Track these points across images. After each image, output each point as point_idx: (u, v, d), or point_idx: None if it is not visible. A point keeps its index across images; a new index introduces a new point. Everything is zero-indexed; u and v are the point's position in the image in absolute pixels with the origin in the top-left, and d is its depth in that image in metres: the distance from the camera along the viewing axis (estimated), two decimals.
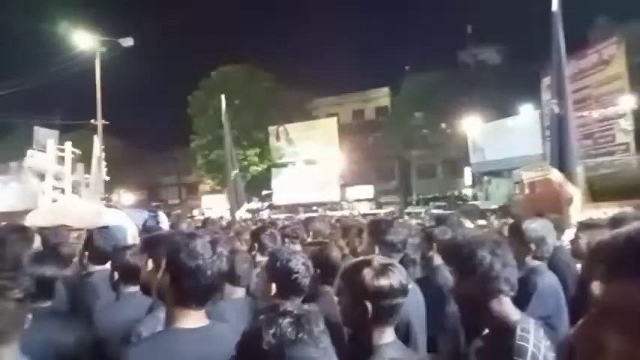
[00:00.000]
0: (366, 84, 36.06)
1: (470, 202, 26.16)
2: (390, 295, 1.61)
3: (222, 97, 8.67)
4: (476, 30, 33.91)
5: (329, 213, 22.38)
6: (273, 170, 34.79)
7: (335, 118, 34.47)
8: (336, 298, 2.68)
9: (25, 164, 11.98)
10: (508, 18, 37.59)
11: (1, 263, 2.29)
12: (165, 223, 6.05)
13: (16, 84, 21.39)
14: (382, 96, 36.07)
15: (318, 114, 36.79)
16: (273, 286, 2.20)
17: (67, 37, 19.69)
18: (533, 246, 2.82)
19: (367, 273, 1.63)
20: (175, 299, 1.57)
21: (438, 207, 25.57)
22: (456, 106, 26.42)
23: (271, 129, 34.05)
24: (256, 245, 3.83)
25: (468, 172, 30.41)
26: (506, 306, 1.72)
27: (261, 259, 3.69)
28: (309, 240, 3.87)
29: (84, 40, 19.00)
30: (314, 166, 33.72)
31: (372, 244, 2.52)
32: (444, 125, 29.21)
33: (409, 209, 25.40)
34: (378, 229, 2.63)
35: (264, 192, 35.24)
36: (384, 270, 1.64)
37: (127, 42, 18.97)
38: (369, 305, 1.58)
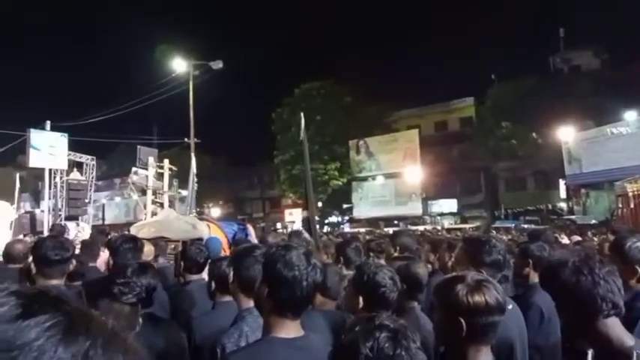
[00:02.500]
0: (448, 94, 35.23)
1: (565, 217, 24.34)
2: (486, 312, 1.55)
3: (302, 115, 8.83)
4: (569, 33, 31.80)
5: (410, 227, 21.95)
6: (353, 184, 34.90)
7: (416, 130, 33.89)
8: (422, 314, 2.64)
9: (129, 180, 13.12)
10: (605, 18, 34.74)
11: (115, 271, 2.53)
12: (253, 236, 6.28)
13: (119, 108, 23.55)
14: (466, 106, 34.91)
15: (398, 126, 36.43)
16: (360, 299, 2.21)
17: (163, 63, 21.45)
18: (638, 267, 2.55)
19: (461, 289, 1.59)
20: (272, 309, 1.62)
21: (529, 221, 24.14)
22: (548, 114, 24.80)
23: (351, 143, 34.28)
24: (342, 259, 3.87)
25: (562, 185, 28.35)
26: (616, 329, 1.58)
27: (347, 272, 3.72)
28: (396, 254, 3.83)
29: (178, 64, 20.58)
30: (395, 179, 33.34)
31: (470, 264, 2.40)
32: (534, 135, 27.55)
33: (497, 224, 24.17)
34: (476, 249, 2.51)
35: (345, 206, 35.45)
36: (478, 286, 1.59)
37: (217, 65, 20.24)
38: (463, 322, 1.53)
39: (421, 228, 20.24)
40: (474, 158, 31.32)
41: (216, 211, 36.37)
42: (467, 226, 24.02)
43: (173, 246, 5.85)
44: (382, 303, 2.14)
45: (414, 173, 31.70)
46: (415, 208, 32.28)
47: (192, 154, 16.20)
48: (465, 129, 33.51)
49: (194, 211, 12.90)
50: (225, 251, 5.50)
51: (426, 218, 31.69)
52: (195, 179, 14.43)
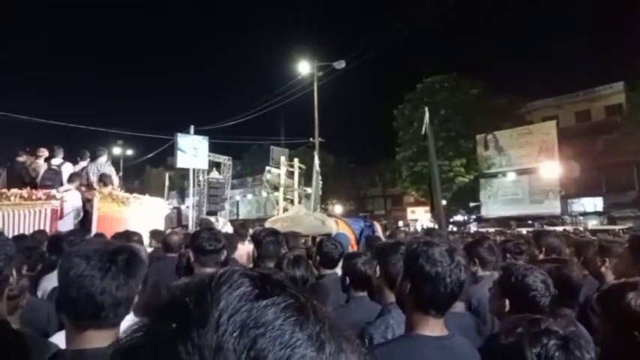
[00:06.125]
0: (590, 81, 31.63)
1: None
2: None
3: (426, 109, 8.51)
4: None
5: (547, 228, 20.10)
6: (481, 181, 33.05)
7: (554, 122, 30.92)
8: (579, 324, 2.39)
9: (263, 178, 14.03)
10: None
11: (259, 262, 2.72)
12: (380, 233, 6.30)
13: (250, 112, 25.31)
14: (614, 93, 30.94)
15: (532, 118, 33.61)
16: (507, 302, 2.07)
17: (290, 66, 22.57)
18: None
19: (633, 298, 1.40)
20: (415, 305, 1.60)
21: None
22: None
23: (479, 137, 32.48)
24: (476, 260, 3.67)
25: None
26: None
27: (483, 273, 3.53)
28: (541, 256, 3.53)
29: (303, 67, 21.47)
30: (529, 175, 30.85)
31: (635, 265, 2.13)
32: None
33: None
34: None
35: (471, 204, 33.76)
36: None
37: (340, 64, 20.68)
38: (639, 336, 1.35)
39: (560, 229, 18.43)
40: (623, 151, 27.60)
41: (338, 209, 37.20)
42: (616, 227, 21.25)
43: (303, 240, 6.13)
44: (532, 307, 1.98)
45: (551, 169, 29.02)
46: (553, 207, 29.55)
47: (316, 154, 16.74)
48: (613, 118, 29.73)
49: (318, 207, 13.33)
50: (353, 247, 5.60)
51: (565, 218, 28.82)
52: (320, 177, 14.93)
